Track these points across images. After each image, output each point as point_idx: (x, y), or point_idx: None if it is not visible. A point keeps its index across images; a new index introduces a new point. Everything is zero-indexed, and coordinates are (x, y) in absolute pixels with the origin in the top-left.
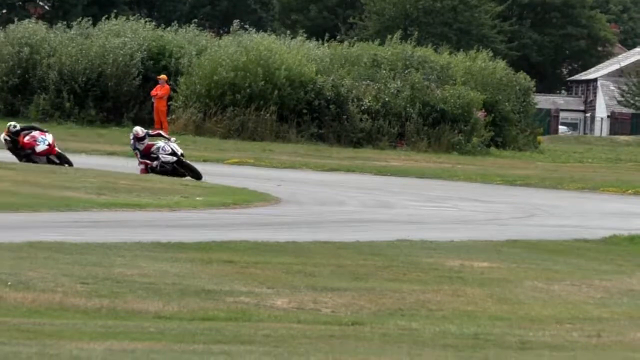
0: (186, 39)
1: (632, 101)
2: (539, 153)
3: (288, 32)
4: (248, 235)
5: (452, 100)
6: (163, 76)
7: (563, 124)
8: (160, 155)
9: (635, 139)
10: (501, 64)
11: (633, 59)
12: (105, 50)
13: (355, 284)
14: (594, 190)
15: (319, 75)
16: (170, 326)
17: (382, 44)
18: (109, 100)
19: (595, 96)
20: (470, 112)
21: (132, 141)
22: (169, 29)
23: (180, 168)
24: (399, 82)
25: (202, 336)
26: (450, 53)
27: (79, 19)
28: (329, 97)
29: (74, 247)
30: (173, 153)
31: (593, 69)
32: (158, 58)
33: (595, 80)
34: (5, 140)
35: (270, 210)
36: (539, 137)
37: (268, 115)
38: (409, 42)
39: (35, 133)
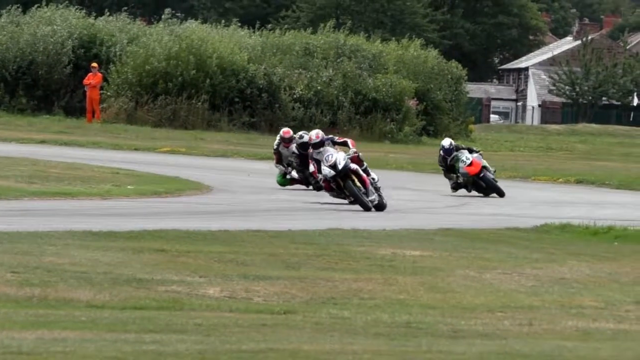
0: (117, 27)
1: (562, 90)
2: (470, 142)
3: (214, 17)
4: (180, 224)
5: (384, 89)
6: (95, 64)
7: (495, 112)
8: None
9: (565, 127)
10: (433, 52)
11: (564, 48)
12: (35, 38)
13: (288, 272)
14: (526, 178)
15: (251, 64)
16: (102, 315)
17: (314, 32)
18: (39, 88)
19: (526, 85)
20: (402, 101)
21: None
22: (101, 18)
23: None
24: (331, 71)
25: (133, 325)
26: (383, 41)
27: (9, 7)
28: (261, 86)
29: (4, 235)
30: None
31: (524, 57)
32: (89, 46)
33: (526, 69)
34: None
35: (203, 199)
36: (471, 126)
37: (200, 103)
38: (341, 30)
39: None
